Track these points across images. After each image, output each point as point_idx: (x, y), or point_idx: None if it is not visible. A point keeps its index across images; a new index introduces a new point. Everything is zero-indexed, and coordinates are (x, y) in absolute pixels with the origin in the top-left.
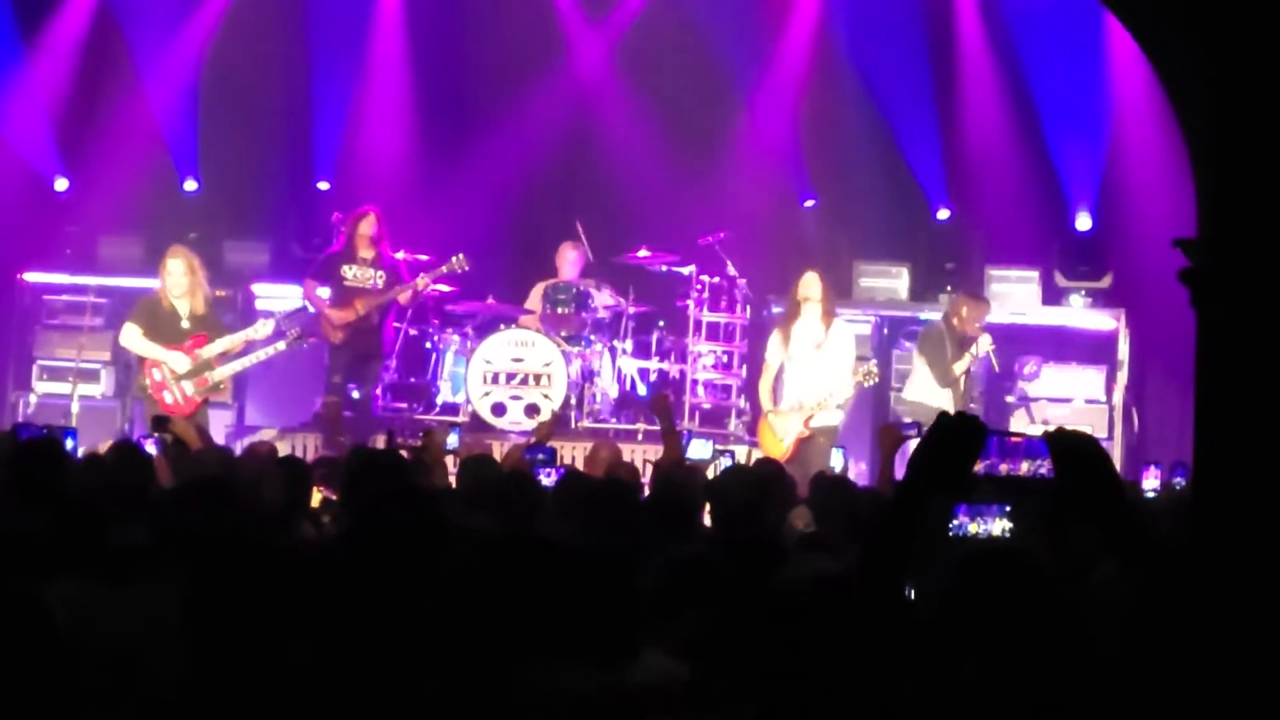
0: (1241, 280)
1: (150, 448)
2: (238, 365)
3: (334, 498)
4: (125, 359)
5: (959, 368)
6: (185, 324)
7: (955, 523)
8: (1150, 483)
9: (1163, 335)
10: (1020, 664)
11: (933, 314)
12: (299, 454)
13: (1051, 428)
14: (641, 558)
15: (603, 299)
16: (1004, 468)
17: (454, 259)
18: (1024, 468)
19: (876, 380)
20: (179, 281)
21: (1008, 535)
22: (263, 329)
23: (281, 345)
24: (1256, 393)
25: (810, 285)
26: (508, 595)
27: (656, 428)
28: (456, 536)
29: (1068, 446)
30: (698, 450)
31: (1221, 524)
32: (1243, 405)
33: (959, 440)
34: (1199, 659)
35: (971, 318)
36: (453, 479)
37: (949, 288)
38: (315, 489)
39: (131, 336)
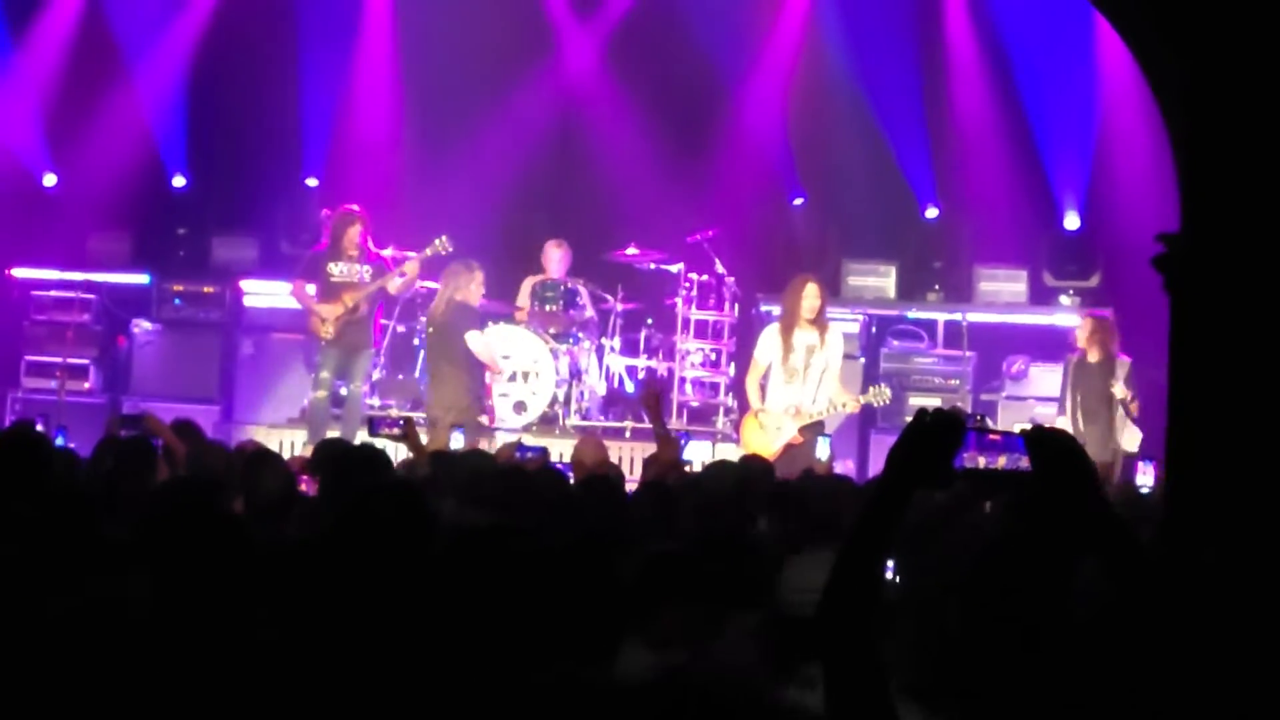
0: (1212, 266)
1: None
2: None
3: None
4: (113, 356)
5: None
6: None
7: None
8: (1144, 479)
9: (1151, 335)
10: (1017, 654)
11: (920, 313)
12: (286, 450)
13: (1029, 426)
14: (624, 553)
15: (586, 297)
16: (981, 462)
17: (437, 240)
18: (1001, 463)
19: (888, 403)
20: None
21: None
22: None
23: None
24: (1226, 376)
25: (814, 296)
26: (487, 586)
27: (645, 425)
28: (447, 530)
29: (1045, 444)
30: (696, 452)
31: (1193, 507)
32: (1214, 388)
33: (937, 435)
34: (1176, 651)
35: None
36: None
37: (936, 286)
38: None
39: (479, 342)
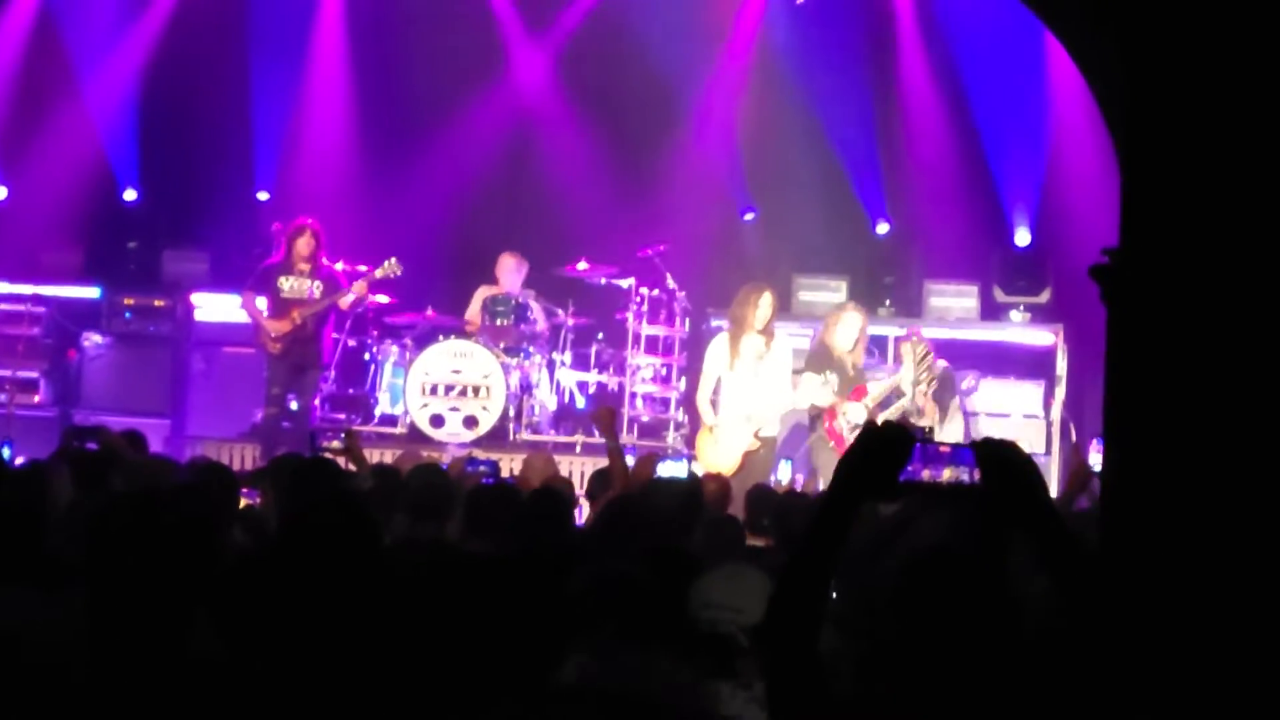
0: (1149, 277)
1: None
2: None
3: (255, 504)
4: (64, 369)
5: None
6: (850, 373)
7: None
8: (1097, 457)
9: (1101, 351)
10: (958, 667)
11: (871, 329)
12: (237, 465)
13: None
14: (573, 569)
15: (537, 312)
16: (927, 474)
17: (386, 263)
18: (947, 475)
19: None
20: (852, 335)
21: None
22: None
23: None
24: (1162, 386)
25: (768, 306)
26: (430, 600)
27: (595, 440)
28: (396, 544)
29: (995, 455)
30: (671, 470)
31: (1130, 516)
32: (1149, 399)
33: (885, 447)
34: (1122, 662)
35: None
36: None
37: (887, 301)
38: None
39: (814, 385)
